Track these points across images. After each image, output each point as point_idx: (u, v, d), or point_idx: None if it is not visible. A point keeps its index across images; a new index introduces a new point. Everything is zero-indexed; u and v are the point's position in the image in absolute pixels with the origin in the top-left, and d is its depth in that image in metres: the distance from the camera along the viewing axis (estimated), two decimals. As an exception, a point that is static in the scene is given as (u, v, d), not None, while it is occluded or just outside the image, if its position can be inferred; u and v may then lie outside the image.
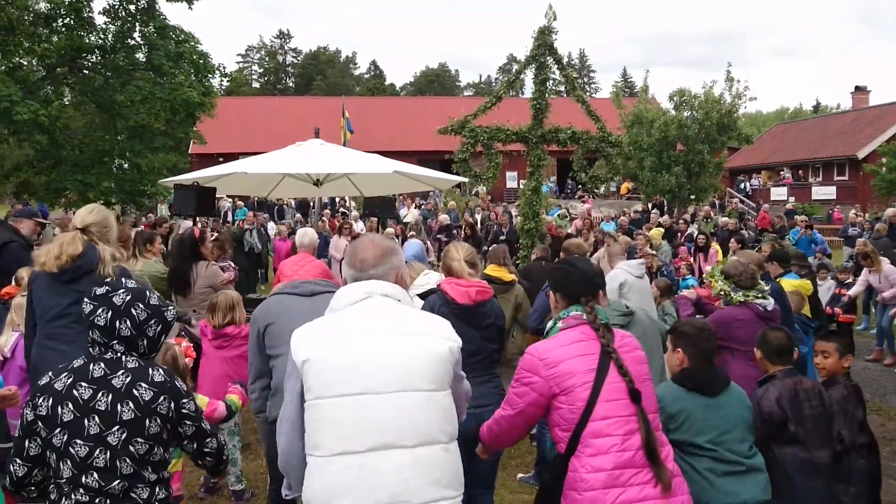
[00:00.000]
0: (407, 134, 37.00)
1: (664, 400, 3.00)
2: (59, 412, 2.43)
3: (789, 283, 6.42)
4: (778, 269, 6.67)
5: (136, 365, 2.53)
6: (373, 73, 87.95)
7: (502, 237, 14.42)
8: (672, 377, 3.22)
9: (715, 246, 13.17)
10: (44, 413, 2.45)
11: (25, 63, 16.61)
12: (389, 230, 15.19)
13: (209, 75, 17.76)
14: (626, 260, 6.04)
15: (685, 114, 25.15)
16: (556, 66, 11.67)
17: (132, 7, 16.33)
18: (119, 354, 2.53)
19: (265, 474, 4.86)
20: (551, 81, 11.93)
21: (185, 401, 2.57)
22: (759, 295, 4.63)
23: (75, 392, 2.45)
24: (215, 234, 8.43)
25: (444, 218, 18.81)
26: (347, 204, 25.50)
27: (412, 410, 2.28)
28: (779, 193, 33.54)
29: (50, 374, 2.53)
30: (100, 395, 2.45)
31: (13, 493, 2.57)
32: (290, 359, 2.38)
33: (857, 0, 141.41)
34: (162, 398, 2.50)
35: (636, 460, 2.56)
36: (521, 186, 14.91)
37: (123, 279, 2.89)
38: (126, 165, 16.98)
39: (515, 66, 12.93)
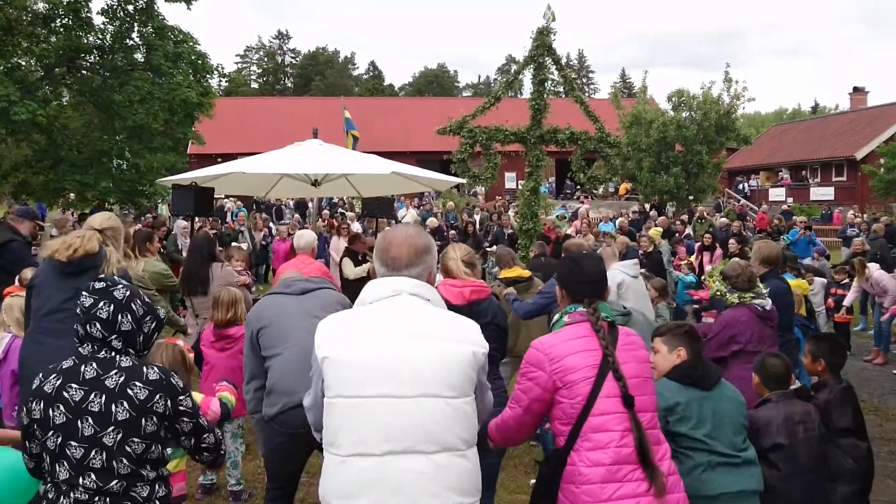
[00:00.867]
0: (405, 134, 37.01)
1: (662, 395, 3.03)
2: (51, 415, 2.43)
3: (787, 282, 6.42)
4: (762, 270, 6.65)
5: (129, 364, 2.52)
6: (371, 74, 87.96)
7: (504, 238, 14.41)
8: (667, 374, 3.24)
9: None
10: (37, 416, 2.46)
11: (24, 63, 16.59)
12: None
13: (208, 76, 17.76)
14: (618, 261, 6.05)
15: (684, 114, 25.20)
16: (554, 67, 11.70)
17: (130, 7, 16.33)
18: (113, 353, 2.52)
19: (263, 475, 4.86)
20: (550, 82, 11.97)
21: (181, 398, 2.56)
22: (756, 296, 4.67)
23: (65, 394, 2.43)
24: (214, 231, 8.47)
25: (431, 221, 18.01)
26: (346, 204, 25.48)
27: (431, 417, 2.26)
28: (777, 194, 33.59)
29: (40, 376, 2.53)
30: (92, 396, 2.43)
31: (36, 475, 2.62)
32: (313, 352, 2.38)
33: (858, 0, 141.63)
34: (158, 396, 2.48)
35: (634, 456, 2.58)
36: (520, 187, 14.92)
37: (116, 277, 2.91)
38: (125, 165, 16.97)
39: (514, 67, 12.95)
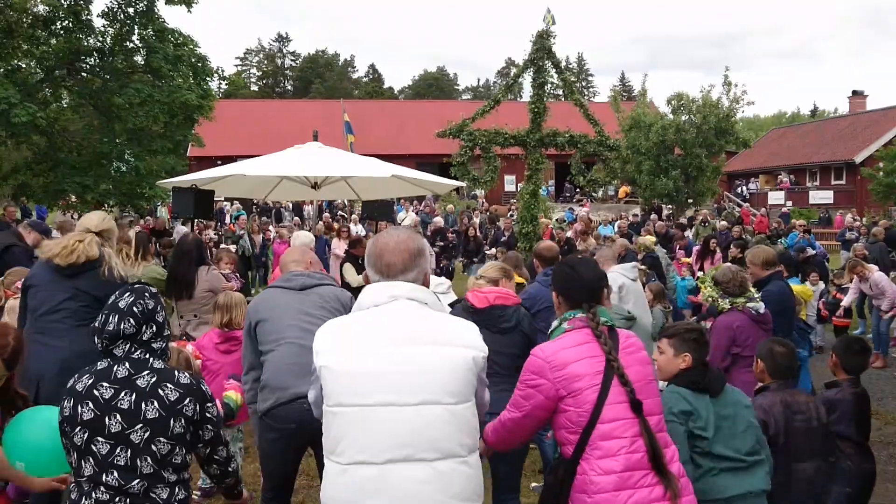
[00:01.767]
0: (405, 137, 37.01)
1: (682, 399, 3.03)
2: (79, 411, 2.48)
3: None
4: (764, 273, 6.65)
5: (162, 366, 2.58)
6: (371, 77, 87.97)
7: (503, 240, 14.39)
8: (675, 380, 3.20)
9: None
10: (67, 414, 2.51)
11: (24, 65, 16.63)
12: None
13: (207, 78, 17.78)
14: (616, 264, 6.03)
15: (683, 118, 25.21)
16: (554, 70, 11.71)
17: (131, 10, 16.36)
18: (147, 355, 2.57)
19: (261, 477, 4.85)
20: (549, 85, 11.97)
21: (209, 405, 2.62)
22: (748, 301, 4.68)
23: (95, 392, 2.49)
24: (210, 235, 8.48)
25: (437, 221, 18.04)
26: (347, 206, 25.50)
27: (432, 424, 2.25)
28: (776, 197, 33.60)
29: (75, 376, 2.59)
30: (122, 394, 2.48)
31: None
32: (313, 358, 2.39)
33: (858, 4, 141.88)
34: (188, 400, 2.53)
35: (645, 462, 2.55)
36: (520, 190, 14.94)
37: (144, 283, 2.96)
38: (124, 168, 16.98)
39: (514, 70, 12.98)
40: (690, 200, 25.58)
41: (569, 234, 15.70)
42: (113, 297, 2.62)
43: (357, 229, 16.48)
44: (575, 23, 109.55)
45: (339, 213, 24.15)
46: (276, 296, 3.81)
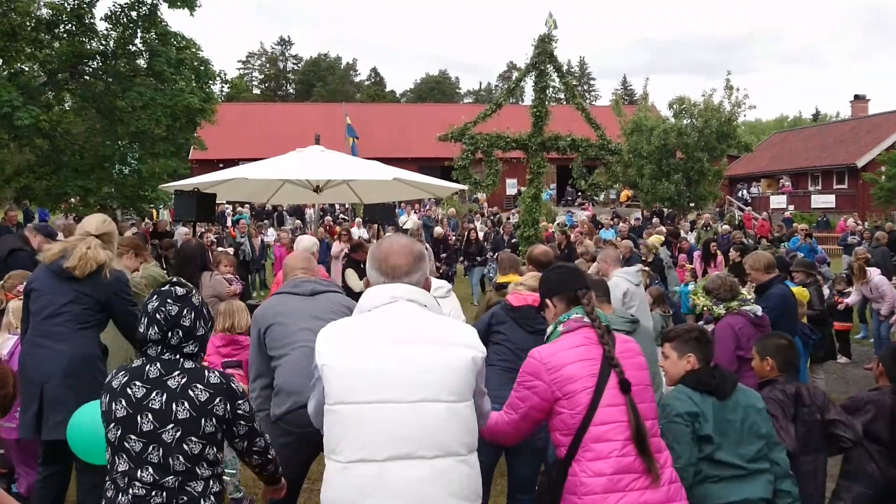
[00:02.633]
0: (407, 141, 37.07)
1: (687, 399, 2.99)
2: (114, 408, 2.54)
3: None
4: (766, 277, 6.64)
5: (192, 366, 2.61)
6: (373, 80, 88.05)
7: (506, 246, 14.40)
8: (683, 381, 3.14)
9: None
10: (104, 409, 2.58)
11: (27, 68, 16.67)
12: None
13: (210, 81, 17.84)
14: (621, 267, 5.96)
15: (685, 122, 25.22)
16: (555, 74, 11.74)
17: (134, 14, 16.41)
18: (177, 356, 2.60)
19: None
20: (551, 89, 12.00)
21: (240, 402, 2.64)
22: (742, 303, 4.74)
23: (129, 390, 2.54)
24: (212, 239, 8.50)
25: (438, 231, 17.72)
26: (348, 209, 25.51)
27: (432, 421, 2.27)
28: (778, 202, 33.58)
29: (112, 372, 2.64)
30: (153, 394, 2.52)
31: None
32: (314, 359, 2.41)
33: (861, 7, 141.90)
34: (218, 399, 2.56)
35: (636, 466, 2.57)
36: (521, 194, 14.95)
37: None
38: (127, 171, 17.02)
39: (516, 74, 13.00)
40: (692, 204, 25.58)
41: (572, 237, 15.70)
42: (145, 299, 2.68)
43: (360, 233, 16.48)
44: (577, 26, 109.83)
45: (341, 216, 24.16)
46: (286, 301, 3.79)
